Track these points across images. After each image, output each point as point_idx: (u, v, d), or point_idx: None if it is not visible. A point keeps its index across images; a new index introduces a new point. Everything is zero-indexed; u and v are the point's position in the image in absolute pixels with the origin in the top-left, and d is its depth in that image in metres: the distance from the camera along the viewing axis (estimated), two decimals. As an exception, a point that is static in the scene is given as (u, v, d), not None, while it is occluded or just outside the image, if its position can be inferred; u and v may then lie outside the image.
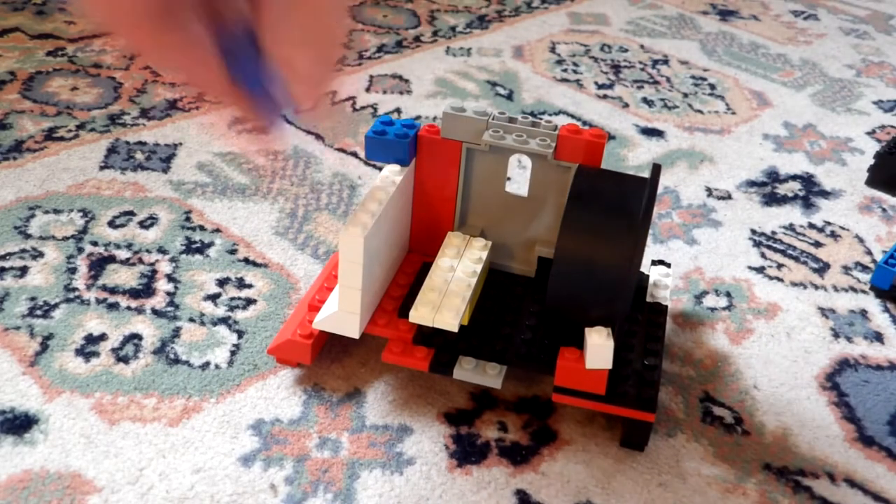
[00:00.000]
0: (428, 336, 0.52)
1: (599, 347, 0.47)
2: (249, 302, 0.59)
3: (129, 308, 0.57)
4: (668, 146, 0.83)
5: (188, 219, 0.67)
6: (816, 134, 0.88)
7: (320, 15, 0.29)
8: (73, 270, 0.60)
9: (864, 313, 0.63)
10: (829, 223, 0.73)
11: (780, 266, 0.67)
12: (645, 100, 0.92)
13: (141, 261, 0.62)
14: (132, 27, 0.27)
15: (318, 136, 0.80)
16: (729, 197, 0.76)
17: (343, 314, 0.50)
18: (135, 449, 0.48)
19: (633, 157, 0.81)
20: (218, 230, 0.66)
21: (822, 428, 0.53)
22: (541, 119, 0.57)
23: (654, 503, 0.47)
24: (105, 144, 0.76)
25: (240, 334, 0.56)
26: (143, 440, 0.48)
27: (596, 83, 0.95)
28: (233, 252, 0.64)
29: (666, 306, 0.55)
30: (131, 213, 0.67)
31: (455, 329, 0.49)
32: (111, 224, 0.66)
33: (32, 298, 0.58)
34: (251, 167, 0.74)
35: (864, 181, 0.67)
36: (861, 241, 0.71)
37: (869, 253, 0.69)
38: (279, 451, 0.48)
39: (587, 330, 0.48)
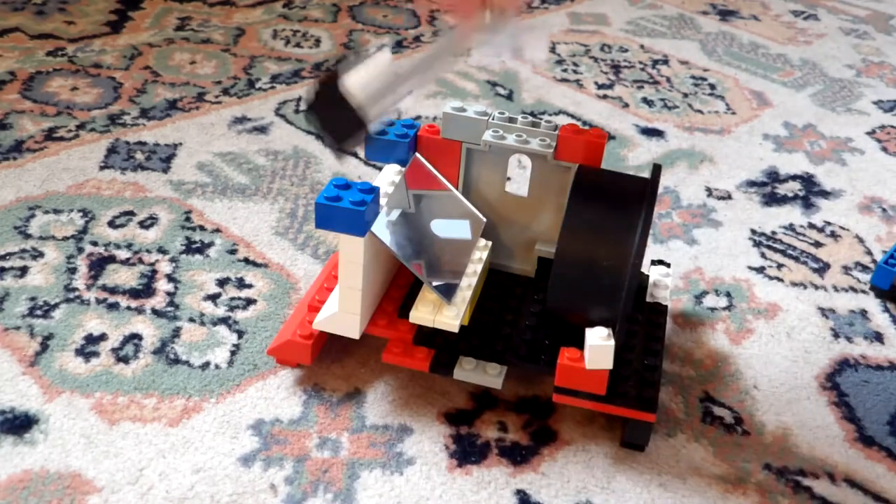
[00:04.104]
0: (428, 336, 0.52)
1: (600, 348, 0.47)
2: (249, 302, 0.59)
3: (129, 308, 0.57)
4: (668, 146, 0.83)
5: (188, 219, 0.67)
6: (816, 134, 0.88)
7: None
8: (73, 270, 0.60)
9: (864, 313, 0.62)
10: (829, 223, 0.73)
11: (780, 266, 0.67)
12: (645, 100, 0.92)
13: (141, 261, 0.62)
14: None
15: (318, 136, 0.80)
16: (729, 197, 0.76)
17: (343, 315, 0.50)
18: (135, 449, 0.48)
19: (633, 157, 0.81)
20: (218, 230, 0.66)
21: (822, 428, 0.53)
22: (541, 119, 0.57)
23: (653, 503, 0.47)
24: (105, 144, 0.76)
25: (240, 334, 0.56)
26: (143, 440, 0.48)
27: (596, 83, 0.95)
28: (233, 252, 0.63)
29: (666, 306, 0.55)
30: (131, 213, 0.67)
31: (455, 329, 0.49)
32: (111, 224, 0.65)
33: (32, 298, 0.58)
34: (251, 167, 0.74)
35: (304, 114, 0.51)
36: (861, 241, 0.71)
37: (869, 253, 0.69)
38: (279, 451, 0.48)
39: (588, 330, 0.48)
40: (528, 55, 0.42)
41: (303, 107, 0.47)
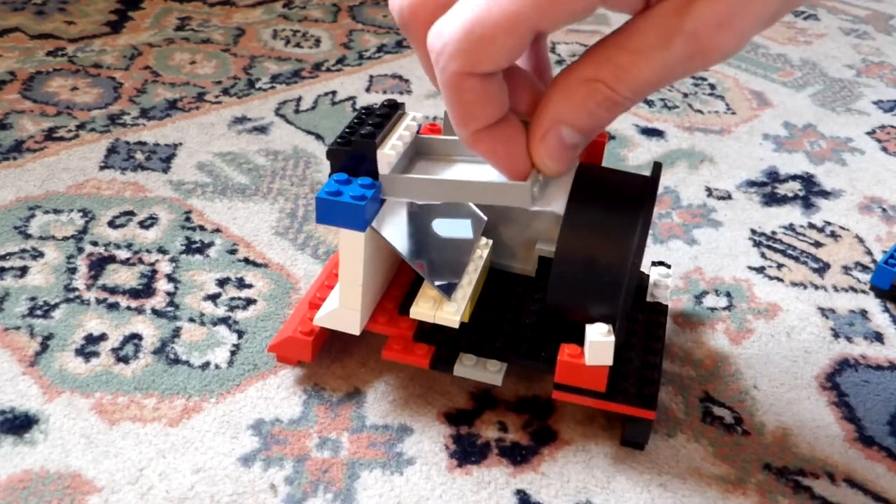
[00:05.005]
0: (428, 333, 0.52)
1: (600, 344, 0.47)
2: (249, 302, 0.59)
3: (129, 308, 0.57)
4: (668, 146, 0.83)
5: (188, 219, 0.67)
6: (816, 134, 0.88)
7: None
8: (73, 270, 0.60)
9: (864, 313, 0.63)
10: (829, 223, 0.73)
11: (780, 266, 0.67)
12: (645, 100, 0.92)
13: (141, 261, 0.62)
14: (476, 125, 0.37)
15: (318, 136, 0.80)
16: (729, 197, 0.76)
17: (343, 311, 0.50)
18: (135, 449, 0.48)
19: (633, 157, 0.81)
20: (218, 230, 0.66)
21: (822, 428, 0.53)
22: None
23: (653, 503, 0.47)
24: (105, 144, 0.76)
25: (240, 334, 0.56)
26: (143, 440, 0.48)
27: (596, 83, 0.95)
28: (233, 252, 0.63)
29: (666, 306, 0.55)
30: (131, 213, 0.67)
31: (456, 325, 0.49)
32: (111, 224, 0.66)
33: (32, 298, 0.58)
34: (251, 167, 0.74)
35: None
36: (861, 241, 0.71)
37: (869, 253, 0.69)
38: (279, 451, 0.48)
39: (588, 327, 0.48)
40: (552, 205, 0.44)
41: (330, 145, 0.48)
